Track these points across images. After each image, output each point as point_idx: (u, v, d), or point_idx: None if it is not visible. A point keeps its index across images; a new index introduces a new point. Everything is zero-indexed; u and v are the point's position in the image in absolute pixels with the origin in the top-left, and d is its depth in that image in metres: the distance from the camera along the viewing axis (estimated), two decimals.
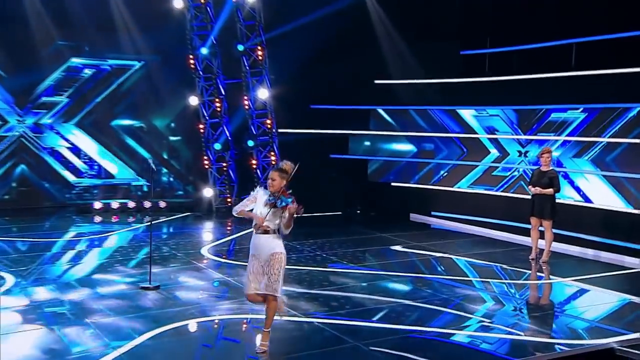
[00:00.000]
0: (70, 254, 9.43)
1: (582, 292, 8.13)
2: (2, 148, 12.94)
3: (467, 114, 12.37)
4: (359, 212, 13.75)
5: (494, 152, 12.01)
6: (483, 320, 6.71)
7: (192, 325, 6.34)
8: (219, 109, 13.23)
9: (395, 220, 12.77)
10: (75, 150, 13.60)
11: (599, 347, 5.98)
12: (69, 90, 13.41)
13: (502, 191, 11.84)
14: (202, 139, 13.34)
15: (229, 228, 12.06)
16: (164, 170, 14.28)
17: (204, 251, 9.72)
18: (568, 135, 10.73)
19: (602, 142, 10.20)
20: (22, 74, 12.76)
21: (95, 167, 13.83)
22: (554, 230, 9.39)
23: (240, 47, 12.89)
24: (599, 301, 7.83)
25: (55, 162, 13.45)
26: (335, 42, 12.50)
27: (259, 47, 12.96)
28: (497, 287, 8.18)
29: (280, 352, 5.63)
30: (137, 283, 7.70)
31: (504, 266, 9.15)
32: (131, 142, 13.96)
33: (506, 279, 8.63)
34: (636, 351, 5.86)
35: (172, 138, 14.33)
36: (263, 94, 13.07)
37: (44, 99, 13.22)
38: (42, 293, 7.29)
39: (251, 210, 5.56)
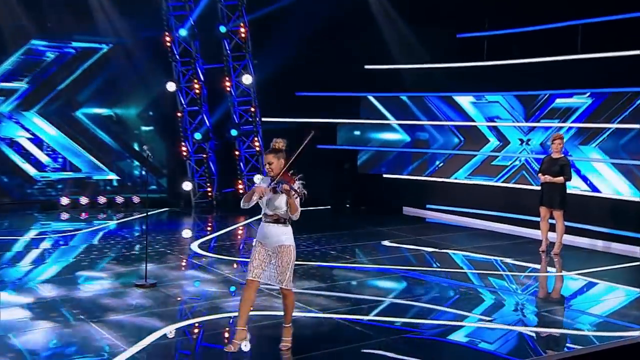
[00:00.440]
0: (35, 252, 9.14)
1: (595, 285, 8.09)
2: None
3: (465, 100, 12.34)
4: (348, 206, 13.58)
5: (494, 140, 12.01)
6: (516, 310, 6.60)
7: (202, 322, 6.17)
8: (198, 96, 12.88)
9: (388, 214, 12.66)
10: (37, 141, 13.09)
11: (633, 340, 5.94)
12: (30, 75, 12.88)
13: (502, 182, 11.84)
14: (180, 128, 12.96)
15: (209, 226, 11.79)
16: (135, 163, 13.85)
17: (195, 247, 9.50)
18: (574, 122, 10.78)
19: (610, 128, 10.27)
20: None
21: (60, 159, 13.33)
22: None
23: (223, 29, 12.58)
24: (616, 295, 7.80)
25: (14, 155, 12.90)
26: (323, 24, 12.25)
27: (242, 28, 12.65)
28: (511, 282, 8.13)
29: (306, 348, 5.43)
30: (129, 281, 7.44)
31: (510, 260, 9.07)
32: (99, 132, 13.49)
33: (517, 272, 8.58)
34: None
35: (144, 128, 13.90)
36: (247, 79, 12.77)
37: (1, 84, 12.65)
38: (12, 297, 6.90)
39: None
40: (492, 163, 12.02)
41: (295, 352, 5.30)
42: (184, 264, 8.65)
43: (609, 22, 10.23)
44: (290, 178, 5.08)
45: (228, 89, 12.94)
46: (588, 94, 10.63)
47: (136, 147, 13.75)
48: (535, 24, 11.16)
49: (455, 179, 12.49)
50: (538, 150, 11.26)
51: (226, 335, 5.84)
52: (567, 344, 5.95)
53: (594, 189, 10.51)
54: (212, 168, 13.18)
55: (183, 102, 12.98)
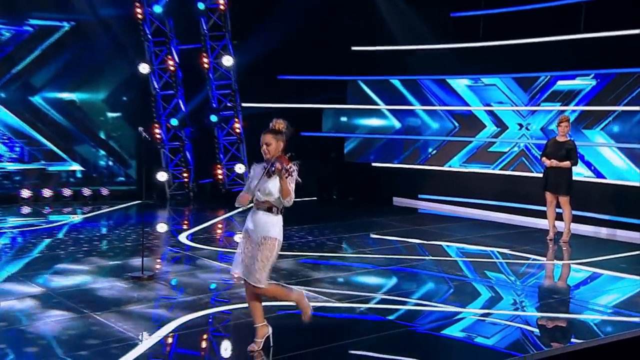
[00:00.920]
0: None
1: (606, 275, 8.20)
2: None
3: (460, 83, 12.40)
4: (335, 197, 13.50)
5: (491, 126, 12.10)
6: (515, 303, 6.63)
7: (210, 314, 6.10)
8: (172, 79, 12.60)
9: (378, 204, 12.64)
10: None
11: None
12: None
13: (500, 169, 11.95)
14: (153, 114, 12.65)
15: (185, 220, 11.58)
16: (102, 152, 13.47)
17: (182, 238, 9.36)
18: (576, 104, 10.93)
19: (616, 111, 10.44)
20: None
21: (17, 149, 12.87)
22: None
23: (201, 6, 12.33)
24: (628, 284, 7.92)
25: None
26: (307, 2, 12.16)
27: (222, 6, 12.42)
28: (520, 270, 8.19)
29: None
30: (122, 275, 7.26)
31: (511, 251, 9.08)
32: (60, 118, 13.07)
33: (525, 261, 8.65)
34: None
35: (110, 114, 13.52)
36: (227, 60, 12.54)
37: None
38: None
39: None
40: (489, 149, 12.12)
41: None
42: (174, 255, 8.53)
43: (614, 0, 10.38)
44: (286, 160, 4.93)
45: (206, 70, 12.67)
46: (592, 75, 10.79)
47: (102, 135, 13.44)
48: (535, 2, 11.24)
49: (450, 167, 12.55)
50: (538, 136, 11.38)
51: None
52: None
53: (598, 174, 10.68)
54: (189, 157, 12.90)
55: (156, 85, 12.67)
